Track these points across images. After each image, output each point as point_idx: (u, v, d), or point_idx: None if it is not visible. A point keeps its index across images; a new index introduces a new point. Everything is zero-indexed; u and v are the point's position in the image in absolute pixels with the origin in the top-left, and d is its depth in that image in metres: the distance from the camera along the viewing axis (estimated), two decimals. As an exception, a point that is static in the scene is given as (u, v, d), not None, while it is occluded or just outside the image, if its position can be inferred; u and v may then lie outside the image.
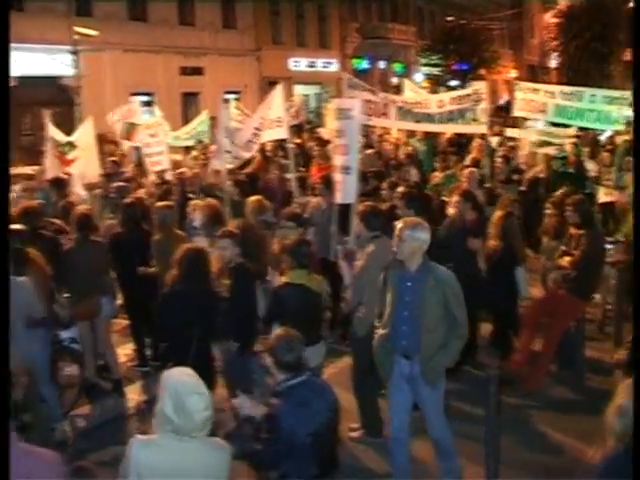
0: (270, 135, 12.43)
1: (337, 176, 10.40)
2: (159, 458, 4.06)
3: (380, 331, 6.63)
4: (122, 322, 10.64)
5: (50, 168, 13.88)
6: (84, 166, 13.96)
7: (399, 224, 6.53)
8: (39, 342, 7.65)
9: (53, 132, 14.37)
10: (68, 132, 15.17)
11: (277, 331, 5.34)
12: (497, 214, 9.70)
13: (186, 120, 25.03)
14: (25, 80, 24.85)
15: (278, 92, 12.06)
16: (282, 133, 12.20)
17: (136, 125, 15.78)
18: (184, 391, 4.06)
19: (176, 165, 14.38)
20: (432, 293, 6.30)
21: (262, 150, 15.23)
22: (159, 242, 9.43)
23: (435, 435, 6.62)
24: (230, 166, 12.38)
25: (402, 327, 6.43)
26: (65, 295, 8.93)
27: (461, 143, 18.19)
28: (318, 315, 7.47)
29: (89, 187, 13.75)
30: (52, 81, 26.48)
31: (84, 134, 14.58)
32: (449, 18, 54.65)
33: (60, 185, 12.40)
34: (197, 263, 7.24)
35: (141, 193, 12.40)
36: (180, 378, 4.17)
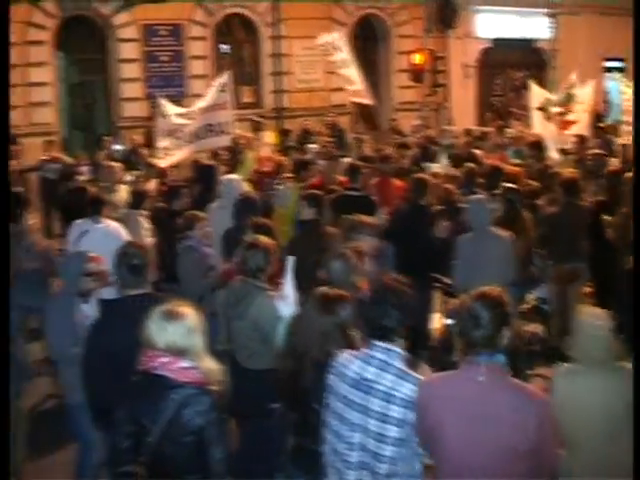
0: None
1: None
2: None
3: None
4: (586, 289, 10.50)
5: (538, 128, 14.19)
6: (580, 129, 13.99)
7: None
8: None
9: (538, 92, 14.64)
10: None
11: None
12: None
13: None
14: (499, 42, 25.37)
15: None
16: None
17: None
18: None
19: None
20: None
21: None
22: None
23: None
24: None
25: None
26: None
27: None
28: None
29: (564, 151, 13.71)
30: (525, 44, 26.66)
31: (584, 95, 14.52)
32: None
33: (538, 148, 12.51)
34: None
35: (615, 163, 12.03)
36: None
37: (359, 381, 4.10)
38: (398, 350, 4.11)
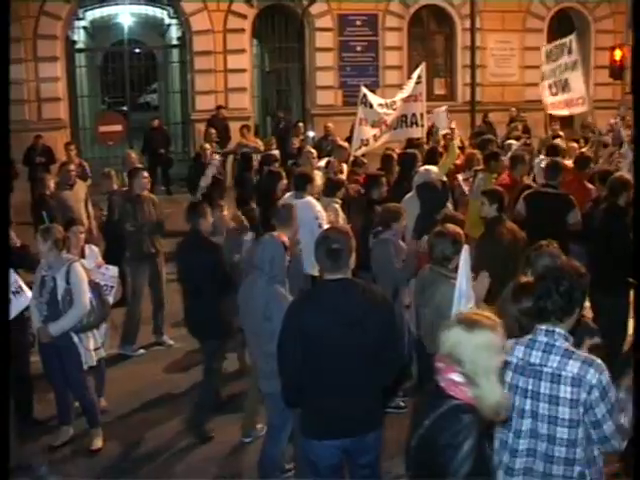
0: None
1: None
2: None
3: None
4: None
5: None
6: None
7: None
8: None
9: None
10: None
11: None
12: None
13: None
14: None
15: None
16: None
17: None
18: None
19: None
20: None
21: None
22: None
23: None
24: None
25: None
26: None
27: None
28: None
29: None
30: None
31: None
32: None
33: None
34: None
35: None
36: None
37: (523, 367, 4.06)
38: (560, 331, 4.01)
